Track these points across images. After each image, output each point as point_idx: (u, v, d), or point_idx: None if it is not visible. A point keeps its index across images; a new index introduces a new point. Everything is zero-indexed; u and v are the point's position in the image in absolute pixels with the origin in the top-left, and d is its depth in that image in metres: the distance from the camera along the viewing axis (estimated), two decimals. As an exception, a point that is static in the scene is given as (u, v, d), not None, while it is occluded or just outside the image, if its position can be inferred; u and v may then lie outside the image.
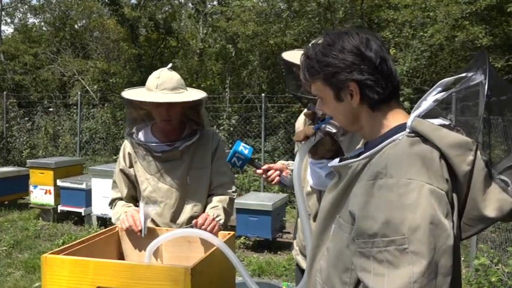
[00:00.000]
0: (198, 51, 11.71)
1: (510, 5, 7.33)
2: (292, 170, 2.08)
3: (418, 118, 1.05)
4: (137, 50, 10.24)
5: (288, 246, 5.44)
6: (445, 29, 7.47)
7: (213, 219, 1.89)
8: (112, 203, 2.15)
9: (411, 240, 0.91)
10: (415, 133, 1.02)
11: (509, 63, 7.60)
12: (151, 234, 1.88)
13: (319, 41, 1.13)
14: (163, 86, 1.96)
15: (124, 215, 1.91)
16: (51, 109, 10.85)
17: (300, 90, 2.00)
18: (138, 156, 2.07)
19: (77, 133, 9.54)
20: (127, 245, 1.94)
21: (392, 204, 0.95)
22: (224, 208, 2.04)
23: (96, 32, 11.70)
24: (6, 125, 10.63)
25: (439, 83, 1.16)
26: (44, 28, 12.58)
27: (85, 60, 11.16)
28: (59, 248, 1.69)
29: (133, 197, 2.14)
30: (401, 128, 1.06)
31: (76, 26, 12.27)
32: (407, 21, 7.83)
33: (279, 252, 5.28)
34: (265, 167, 1.98)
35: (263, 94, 8.48)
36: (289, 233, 5.91)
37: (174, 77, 2.01)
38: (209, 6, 10.28)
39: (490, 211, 1.00)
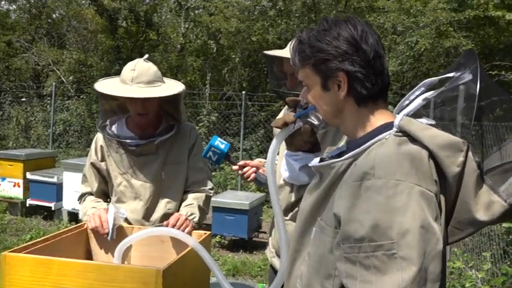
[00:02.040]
0: (178, 46, 11.53)
1: (494, 11, 7.47)
2: None
3: (407, 117, 1.00)
4: (116, 42, 10.00)
5: (264, 246, 5.35)
6: (430, 34, 7.56)
7: (186, 218, 1.81)
8: (81, 197, 2.04)
9: (400, 245, 0.86)
10: (403, 133, 0.97)
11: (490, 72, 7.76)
12: (122, 233, 1.78)
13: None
14: (139, 79, 1.86)
15: (91, 214, 1.80)
16: (23, 99, 10.49)
17: (282, 88, 1.95)
18: (111, 150, 1.97)
19: (50, 125, 9.24)
20: (96, 243, 1.83)
21: (380, 206, 0.89)
22: (199, 206, 1.95)
23: (73, 21, 11.37)
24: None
25: (422, 83, 1.13)
26: (19, 15, 12.16)
27: (61, 50, 10.81)
28: (21, 246, 1.57)
29: (104, 192, 2.03)
30: (386, 127, 1.01)
31: (54, 15, 11.89)
32: (393, 25, 7.89)
33: (254, 252, 5.21)
34: (241, 163, 1.90)
35: (243, 92, 8.40)
36: (265, 232, 5.84)
37: (151, 69, 1.91)
38: (192, 0, 10.12)
39: (482, 214, 0.96)
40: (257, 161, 1.97)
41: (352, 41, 1.01)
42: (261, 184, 1.94)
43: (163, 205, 1.97)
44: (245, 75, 10.58)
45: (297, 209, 1.72)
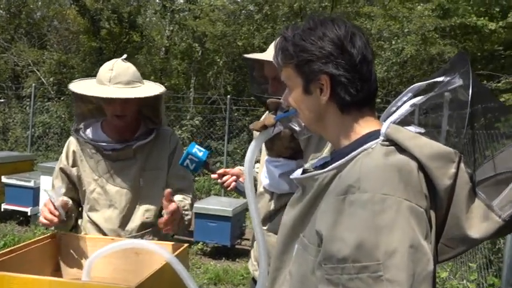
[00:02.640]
0: (163, 48, 11.39)
1: (478, 20, 7.56)
2: None
3: (394, 125, 0.93)
4: (98, 43, 9.80)
5: (246, 254, 5.27)
6: (416, 41, 7.61)
7: (182, 217, 1.72)
8: None
9: (387, 266, 0.78)
10: (390, 141, 0.90)
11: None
12: (95, 244, 1.67)
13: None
14: (117, 80, 1.76)
15: (41, 213, 1.69)
16: (1, 100, 10.20)
17: (264, 93, 1.87)
18: (85, 155, 1.85)
19: (28, 127, 8.99)
20: (66, 255, 1.71)
21: (366, 223, 0.82)
22: (191, 205, 1.87)
23: (55, 22, 11.13)
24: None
25: (410, 88, 1.06)
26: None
27: (41, 51, 10.57)
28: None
29: (74, 200, 1.91)
30: (372, 135, 0.94)
31: (34, 15, 11.62)
32: (379, 31, 7.92)
33: (237, 260, 5.10)
34: (220, 171, 1.81)
35: (228, 96, 8.31)
36: (248, 239, 5.75)
37: (129, 69, 1.81)
38: (177, 2, 10.00)
39: (475, 231, 0.89)
40: (237, 169, 1.88)
41: (337, 43, 0.93)
42: (241, 193, 1.86)
43: (140, 213, 1.86)
44: (230, 80, 10.50)
45: (276, 219, 1.64)
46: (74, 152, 1.87)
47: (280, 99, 1.21)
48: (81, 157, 1.86)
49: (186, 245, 1.63)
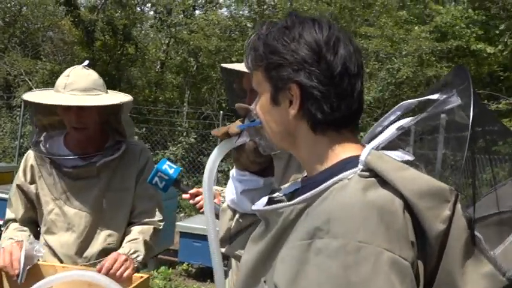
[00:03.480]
0: (158, 62, 11.29)
1: (476, 44, 7.52)
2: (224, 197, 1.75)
3: (376, 151, 0.75)
4: (92, 54, 9.67)
5: (232, 276, 5.05)
6: (412, 63, 7.53)
7: (126, 259, 1.51)
8: (5, 224, 1.73)
9: None
10: (370, 172, 0.72)
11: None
12: (42, 272, 1.48)
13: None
14: (72, 86, 1.59)
15: (2, 248, 1.50)
16: (-8, 109, 10.02)
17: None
18: (44, 171, 1.67)
19: (17, 137, 8.79)
20: (8, 285, 1.51)
21: (335, 279, 0.65)
22: (145, 242, 1.66)
23: (49, 32, 11.04)
24: None
25: (398, 106, 0.88)
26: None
27: (35, 61, 10.44)
28: None
29: (32, 220, 1.73)
30: (349, 162, 0.76)
31: (29, 25, 11.53)
32: (375, 51, 7.85)
33: (222, 282, 4.86)
34: (193, 191, 1.63)
35: (221, 111, 8.17)
36: (235, 261, 5.53)
37: (90, 76, 1.65)
38: (173, 16, 9.94)
39: None
40: (213, 188, 1.70)
41: (314, 47, 0.77)
42: (216, 216, 1.67)
43: (102, 239, 1.68)
44: (224, 95, 10.37)
45: (236, 242, 1.45)
46: (32, 167, 1.70)
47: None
48: (39, 173, 1.68)
49: (146, 276, 1.44)
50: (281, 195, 0.97)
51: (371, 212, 0.68)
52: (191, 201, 1.62)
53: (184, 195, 1.62)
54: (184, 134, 8.99)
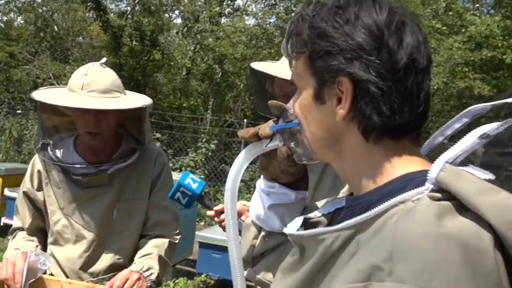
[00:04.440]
0: (184, 68, 11.29)
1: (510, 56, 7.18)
2: None
3: (452, 166, 0.56)
4: (118, 59, 9.73)
5: (252, 290, 4.86)
6: (443, 73, 7.23)
7: (139, 277, 1.36)
8: (12, 233, 1.60)
9: None
10: (444, 193, 0.54)
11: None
12: (45, 286, 1.34)
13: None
14: (91, 87, 1.46)
15: (5, 260, 1.37)
16: (19, 111, 10.17)
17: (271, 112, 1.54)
18: (51, 178, 1.54)
19: (43, 140, 8.85)
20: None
21: None
22: (160, 257, 1.51)
23: (79, 37, 11.20)
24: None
25: (464, 112, 0.69)
26: (24, 26, 12.03)
27: (63, 65, 10.59)
28: None
29: (41, 229, 1.60)
30: (412, 180, 0.59)
31: (59, 30, 11.74)
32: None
33: (241, 297, 4.68)
34: (218, 207, 1.47)
35: (245, 120, 8.04)
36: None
37: (108, 75, 1.52)
38: (200, 23, 9.92)
39: None
40: (239, 204, 1.53)
41: (375, 32, 0.60)
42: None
43: (111, 253, 1.53)
44: (249, 103, 10.25)
45: (260, 265, 1.27)
46: (39, 172, 1.57)
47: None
48: (46, 179, 1.55)
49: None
50: (319, 215, 0.79)
51: (451, 249, 0.50)
52: (216, 219, 1.46)
53: (209, 212, 1.46)
54: (206, 140, 8.87)
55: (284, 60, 1.44)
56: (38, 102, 1.49)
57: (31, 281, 1.32)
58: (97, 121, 1.46)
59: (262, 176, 0.98)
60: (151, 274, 1.42)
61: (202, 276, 4.82)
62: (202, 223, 7.56)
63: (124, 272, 1.35)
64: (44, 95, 1.50)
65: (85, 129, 1.48)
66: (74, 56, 11.17)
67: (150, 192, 1.60)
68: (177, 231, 1.65)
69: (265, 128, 0.84)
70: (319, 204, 1.03)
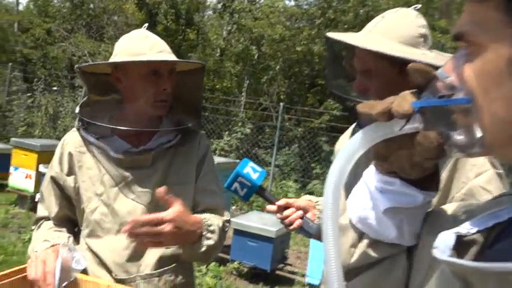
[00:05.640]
0: (218, 49, 11.06)
1: None
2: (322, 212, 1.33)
3: None
4: (154, 38, 9.58)
5: (287, 282, 4.66)
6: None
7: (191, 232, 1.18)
8: (37, 223, 1.41)
9: None
10: None
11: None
12: (80, 286, 1.14)
13: None
14: (159, 48, 1.29)
15: (35, 256, 1.17)
16: (55, 88, 10.24)
17: (348, 91, 1.28)
18: (85, 161, 1.34)
19: (78, 116, 8.87)
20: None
21: None
22: (220, 229, 1.31)
23: (114, 16, 11.13)
24: (7, 98, 10.08)
25: None
26: (61, 4, 12.07)
27: (99, 43, 10.56)
28: None
29: (69, 219, 1.40)
30: None
31: (94, 7, 11.71)
32: (453, 48, 7.12)
33: (276, 287, 4.48)
34: (281, 202, 1.25)
35: (282, 104, 7.76)
36: (291, 265, 5.13)
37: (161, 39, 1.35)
38: (237, 2, 9.62)
39: None
40: (304, 200, 1.30)
41: None
42: (308, 234, 1.27)
43: None
44: (285, 87, 9.95)
45: (357, 280, 1.02)
46: (70, 155, 1.36)
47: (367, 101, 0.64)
48: (79, 163, 1.35)
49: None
50: (473, 230, 0.55)
51: None
52: (278, 216, 1.23)
53: (270, 207, 1.24)
54: (240, 124, 8.70)
55: (368, 29, 1.17)
56: (81, 70, 1.29)
57: (65, 283, 1.11)
58: (168, 86, 1.29)
59: (373, 167, 0.72)
60: (209, 238, 1.24)
61: (235, 263, 4.65)
62: (234, 207, 7.40)
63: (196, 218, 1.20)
64: (121, 58, 1.29)
65: (157, 98, 1.29)
66: (108, 34, 11.12)
67: (196, 176, 1.39)
68: (228, 218, 1.44)
69: (403, 103, 0.58)
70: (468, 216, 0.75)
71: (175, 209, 1.13)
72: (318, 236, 1.30)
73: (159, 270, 1.32)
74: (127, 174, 1.31)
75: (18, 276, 1.16)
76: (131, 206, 1.31)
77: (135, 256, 1.31)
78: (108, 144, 1.31)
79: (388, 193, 0.70)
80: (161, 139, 1.36)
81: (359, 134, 0.62)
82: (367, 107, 0.62)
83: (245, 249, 4.49)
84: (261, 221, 4.62)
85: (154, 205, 1.32)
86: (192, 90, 1.42)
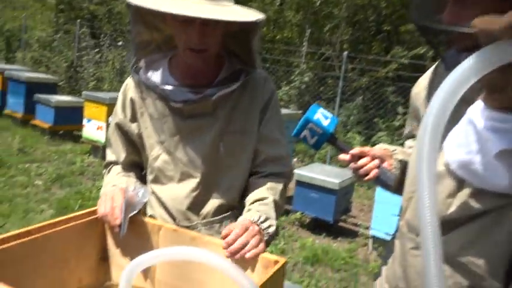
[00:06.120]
0: (278, -2, 10.65)
1: None
2: (399, 161, 1.22)
3: None
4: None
5: (350, 233, 4.61)
6: None
7: (258, 230, 1.10)
8: (106, 167, 1.43)
9: None
10: None
11: None
12: (156, 231, 1.15)
13: None
14: None
15: (103, 195, 1.19)
16: (120, 43, 10.51)
17: (435, 22, 1.11)
18: (147, 107, 1.31)
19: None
20: (112, 239, 1.22)
21: None
22: (275, 203, 1.25)
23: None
24: (77, 54, 10.54)
25: None
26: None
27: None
28: (10, 234, 1.00)
29: (137, 163, 1.40)
30: None
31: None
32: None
33: (339, 239, 4.47)
34: (355, 150, 1.15)
35: (345, 53, 7.41)
36: (354, 217, 5.06)
37: None
38: None
39: None
40: (380, 148, 1.19)
41: None
42: (384, 185, 1.17)
43: (220, 192, 1.30)
44: (348, 35, 9.46)
45: (454, 234, 0.90)
46: (132, 101, 1.34)
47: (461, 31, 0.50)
48: (141, 109, 1.32)
49: (283, 260, 1.01)
50: None
51: None
52: (352, 165, 1.13)
53: (342, 156, 1.15)
54: (299, 72, 8.46)
55: None
56: (132, 8, 1.22)
57: (131, 214, 1.14)
58: (204, 35, 1.17)
59: (482, 102, 0.60)
60: (269, 227, 1.16)
61: (298, 214, 4.66)
62: (295, 159, 7.37)
63: (244, 222, 1.09)
64: (140, 1, 1.21)
65: (187, 45, 1.20)
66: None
67: (259, 123, 1.32)
68: (291, 169, 1.37)
69: None
70: None
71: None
72: (396, 187, 1.20)
73: (219, 217, 1.31)
74: (187, 122, 1.27)
75: (91, 217, 1.20)
76: (191, 155, 1.28)
77: (196, 205, 1.30)
78: (167, 92, 1.27)
79: (502, 132, 0.58)
80: (222, 86, 1.28)
81: (472, 59, 0.50)
82: (486, 22, 0.49)
83: (307, 201, 4.48)
84: (323, 173, 4.55)
85: (215, 154, 1.28)
86: (242, 39, 1.29)
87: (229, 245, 1.02)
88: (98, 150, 6.18)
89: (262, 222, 1.13)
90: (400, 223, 1.21)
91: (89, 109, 6.25)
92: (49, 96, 6.82)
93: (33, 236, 1.04)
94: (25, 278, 1.01)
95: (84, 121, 6.31)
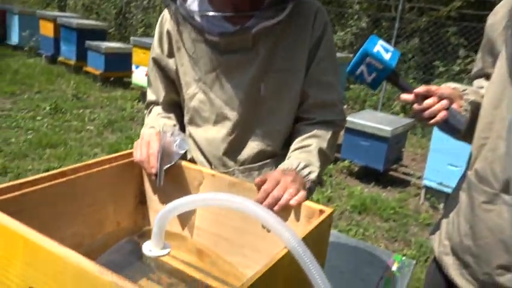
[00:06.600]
0: None
1: None
2: (470, 103, 1.05)
3: None
4: None
5: (401, 183, 4.44)
6: None
7: (294, 179, 0.99)
8: (147, 107, 1.36)
9: None
10: None
11: None
12: (194, 176, 1.08)
13: None
14: None
15: (139, 140, 1.12)
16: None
17: None
18: (184, 41, 1.20)
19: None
20: (149, 183, 1.17)
21: None
22: (321, 151, 1.13)
23: None
24: (126, 0, 10.51)
25: None
26: None
27: None
28: (45, 174, 0.97)
29: (177, 103, 1.32)
30: None
31: None
32: None
33: (389, 188, 4.32)
34: (420, 89, 0.99)
35: (402, -10, 6.83)
36: (406, 166, 4.86)
37: None
38: None
39: None
40: (448, 88, 1.02)
41: None
42: (452, 130, 1.02)
43: (259, 137, 1.20)
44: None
45: None
46: (168, 33, 1.23)
47: None
48: (177, 43, 1.21)
49: (330, 210, 0.91)
50: None
51: None
52: (416, 107, 0.98)
53: (404, 96, 1.00)
54: (356, 17, 7.99)
55: None
56: None
57: (167, 166, 1.06)
58: None
59: None
60: (310, 173, 1.05)
61: (346, 162, 4.53)
62: (344, 107, 7.11)
63: (274, 174, 0.99)
64: None
65: None
66: None
67: (308, 62, 1.17)
68: (343, 117, 1.23)
69: None
70: None
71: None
72: (463, 133, 1.05)
73: (258, 164, 1.21)
74: (225, 58, 1.14)
75: (127, 160, 1.15)
76: (228, 95, 1.17)
77: (233, 149, 1.21)
78: (203, 23, 1.14)
79: None
80: (264, 15, 1.11)
81: None
82: None
83: (357, 149, 4.32)
84: (375, 120, 4.33)
85: (255, 95, 1.16)
86: None
87: (268, 192, 0.93)
88: (146, 96, 6.25)
89: (301, 169, 1.03)
90: (468, 172, 1.06)
91: (137, 55, 6.26)
92: (99, 43, 6.89)
93: (68, 177, 1.00)
94: (61, 220, 0.98)
95: (133, 67, 6.36)
